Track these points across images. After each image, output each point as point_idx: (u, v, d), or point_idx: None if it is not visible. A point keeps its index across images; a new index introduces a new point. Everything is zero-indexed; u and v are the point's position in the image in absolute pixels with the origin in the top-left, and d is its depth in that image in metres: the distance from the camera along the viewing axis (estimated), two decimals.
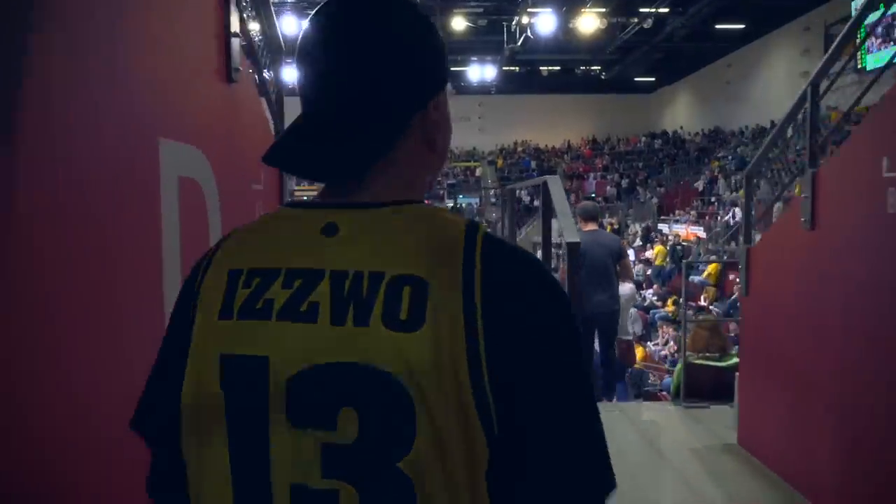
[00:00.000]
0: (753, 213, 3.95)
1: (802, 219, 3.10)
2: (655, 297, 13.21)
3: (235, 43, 1.68)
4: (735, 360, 4.87)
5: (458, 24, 22.19)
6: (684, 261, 10.10)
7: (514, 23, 22.38)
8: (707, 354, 5.11)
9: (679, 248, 14.87)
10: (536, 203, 29.35)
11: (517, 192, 31.70)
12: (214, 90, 1.63)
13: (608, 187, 28.71)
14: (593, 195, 29.72)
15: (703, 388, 4.86)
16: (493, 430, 0.62)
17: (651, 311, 12.68)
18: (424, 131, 0.77)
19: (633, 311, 12.60)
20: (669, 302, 12.48)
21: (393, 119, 0.74)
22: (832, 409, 2.95)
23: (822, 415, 3.05)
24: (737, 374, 4.22)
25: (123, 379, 0.99)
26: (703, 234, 15.77)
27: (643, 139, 31.92)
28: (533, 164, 33.90)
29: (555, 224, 4.04)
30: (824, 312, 3.07)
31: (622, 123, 34.09)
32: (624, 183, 28.06)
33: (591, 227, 5.85)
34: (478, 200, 33.10)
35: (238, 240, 0.77)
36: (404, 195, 0.74)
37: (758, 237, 4.00)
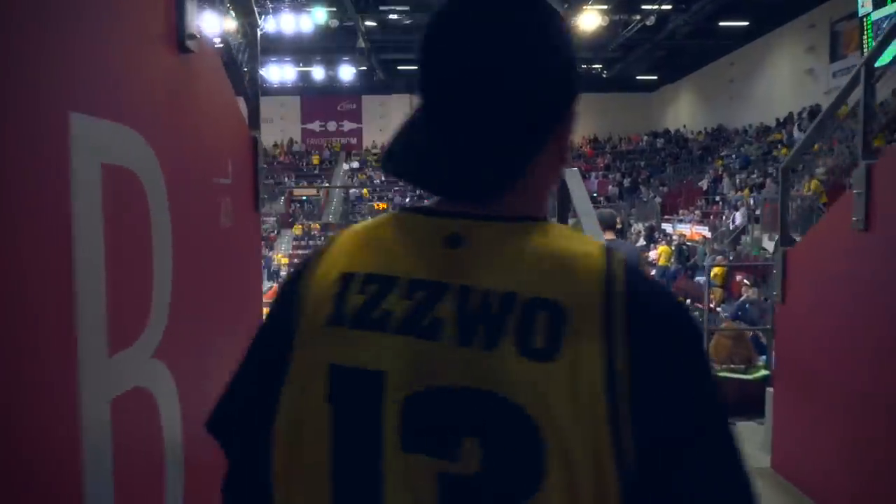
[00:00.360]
0: (785, 212, 3.58)
1: (854, 218, 2.74)
2: None
3: (190, 3, 1.32)
4: (763, 372, 4.51)
5: None
6: (693, 260, 9.85)
7: None
8: (731, 366, 4.75)
9: (685, 248, 14.54)
10: None
11: None
12: (160, 60, 1.27)
13: (610, 187, 28.39)
14: (595, 194, 29.41)
15: (727, 402, 4.49)
16: (628, 471, 0.57)
17: None
18: (560, 142, 0.71)
19: None
20: None
21: (539, 130, 0.68)
22: (891, 436, 2.60)
23: (877, 441, 2.69)
24: (768, 388, 3.86)
25: None
26: (708, 234, 15.43)
27: (645, 138, 31.61)
28: None
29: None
30: (878, 324, 2.72)
31: (624, 122, 33.76)
32: (626, 182, 27.75)
33: (609, 236, 5.48)
34: None
35: (351, 240, 0.72)
36: (533, 210, 0.69)
37: (766, 238, 3.62)
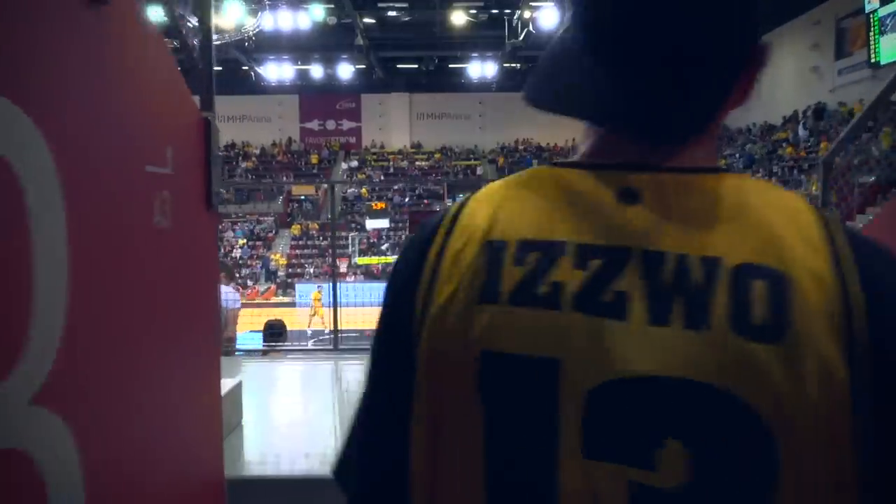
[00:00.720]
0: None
1: None
2: None
3: None
4: None
5: (458, 18, 21.59)
6: None
7: (515, 17, 21.75)
8: None
9: None
10: None
11: None
12: (59, 13, 0.97)
13: None
14: None
15: None
16: (869, 472, 0.48)
17: None
18: (746, 87, 0.60)
19: None
20: None
21: (735, 69, 0.58)
22: None
23: None
24: None
25: None
26: None
27: None
28: (535, 162, 33.25)
29: None
30: None
31: None
32: None
33: None
34: None
35: (490, 202, 0.60)
36: (713, 161, 0.60)
37: None
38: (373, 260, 21.37)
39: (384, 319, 0.63)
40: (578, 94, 0.60)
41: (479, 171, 33.69)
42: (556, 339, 0.50)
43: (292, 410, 3.16)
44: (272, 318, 5.38)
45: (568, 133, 34.52)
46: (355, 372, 3.82)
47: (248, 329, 21.37)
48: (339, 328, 4.61)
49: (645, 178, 0.56)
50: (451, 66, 31.03)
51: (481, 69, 27.99)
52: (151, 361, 1.21)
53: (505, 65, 28.36)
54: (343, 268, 26.55)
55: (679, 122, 0.56)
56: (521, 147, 35.23)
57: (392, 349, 0.60)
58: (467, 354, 0.53)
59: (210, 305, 1.58)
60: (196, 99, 1.60)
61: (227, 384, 2.16)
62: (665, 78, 0.54)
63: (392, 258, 22.15)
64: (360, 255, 21.23)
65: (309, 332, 14.73)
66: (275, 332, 5.06)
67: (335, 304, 4.73)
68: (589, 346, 0.50)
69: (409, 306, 0.58)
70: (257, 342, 5.24)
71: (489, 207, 0.60)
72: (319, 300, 15.50)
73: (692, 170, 0.56)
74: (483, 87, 30.90)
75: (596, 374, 0.49)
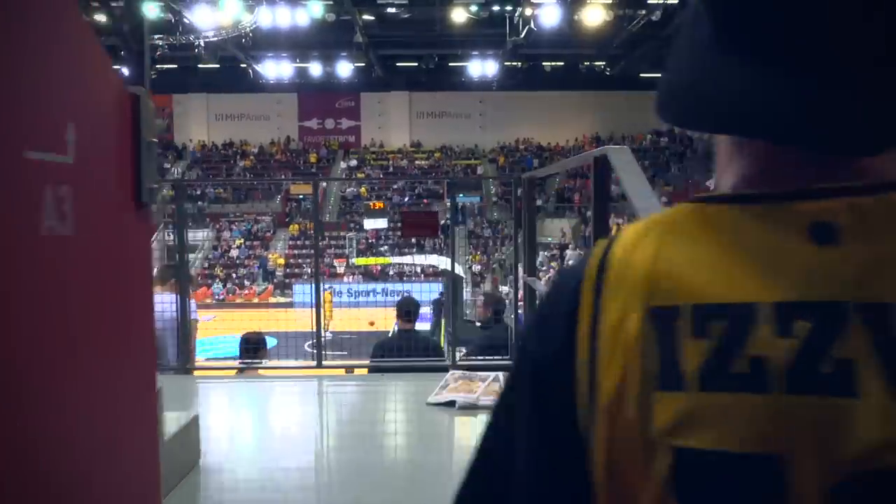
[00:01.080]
0: None
1: None
2: None
3: None
4: None
5: (459, 15, 21.27)
6: None
7: (516, 14, 21.44)
8: None
9: None
10: (539, 201, 28.04)
11: (520, 191, 30.79)
12: None
13: (613, 186, 27.74)
14: None
15: None
16: None
17: None
18: None
19: None
20: None
21: None
22: None
23: None
24: None
25: None
26: None
27: (648, 137, 31.01)
28: (535, 162, 32.95)
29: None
30: None
31: (627, 121, 33.15)
32: None
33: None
34: (479, 199, 32.31)
35: (642, 252, 0.48)
36: None
37: None
38: (371, 260, 21.03)
39: (532, 396, 0.50)
40: (733, 104, 0.45)
41: (479, 170, 33.38)
42: (773, 431, 0.41)
43: (263, 447, 2.77)
44: (249, 331, 4.92)
45: (569, 133, 34.24)
46: (341, 395, 3.46)
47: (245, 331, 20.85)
48: (323, 335, 4.27)
49: (839, 206, 0.44)
50: (451, 64, 30.74)
51: (482, 67, 27.69)
52: (53, 402, 0.90)
53: (506, 63, 28.07)
54: (341, 269, 26.31)
55: (882, 129, 0.43)
56: (521, 147, 34.91)
57: (550, 432, 0.49)
58: (656, 452, 0.43)
59: (143, 328, 1.26)
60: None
61: (179, 419, 1.83)
62: (866, 73, 0.43)
63: (391, 259, 21.81)
64: (357, 256, 20.88)
65: (329, 336, 14.27)
66: (251, 347, 4.64)
67: (318, 317, 4.37)
68: (818, 436, 0.41)
69: (568, 387, 0.47)
70: (235, 350, 4.80)
71: (643, 261, 0.47)
72: (331, 301, 15.02)
73: (890, 187, 0.44)
74: (483, 85, 30.62)
75: (834, 469, 0.40)
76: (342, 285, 25.39)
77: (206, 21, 20.14)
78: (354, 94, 34.99)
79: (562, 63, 30.89)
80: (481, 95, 33.96)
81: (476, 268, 26.65)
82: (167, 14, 20.17)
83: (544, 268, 22.08)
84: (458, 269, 19.06)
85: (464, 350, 15.59)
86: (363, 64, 28.13)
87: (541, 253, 24.77)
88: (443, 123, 35.38)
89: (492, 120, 35.11)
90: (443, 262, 18.10)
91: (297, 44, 24.10)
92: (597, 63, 29.92)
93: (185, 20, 20.50)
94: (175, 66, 31.01)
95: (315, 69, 27.38)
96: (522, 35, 21.66)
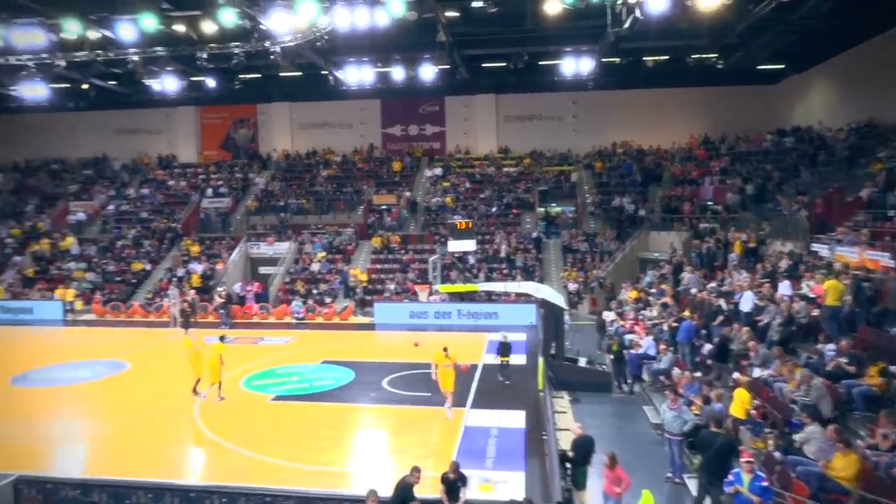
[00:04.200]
0: None
1: None
2: (844, 359, 9.39)
3: None
4: None
5: (552, 7, 18.89)
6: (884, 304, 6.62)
7: (619, 2, 18.81)
8: None
9: (866, 284, 10.91)
10: (642, 212, 25.09)
11: (619, 200, 27.61)
12: None
13: (729, 193, 24.38)
14: (710, 202, 25.51)
15: None
16: None
17: (843, 382, 8.92)
18: None
19: (816, 381, 8.97)
20: (873, 371, 8.68)
21: None
22: None
23: None
24: None
25: None
26: (889, 262, 11.71)
27: (769, 137, 27.22)
28: (635, 167, 29.92)
29: None
30: None
31: (741, 119, 29.49)
32: (749, 189, 23.68)
33: None
34: (573, 209, 29.68)
35: None
36: None
37: None
38: (457, 288, 19.03)
39: None
40: None
41: (573, 177, 30.73)
42: None
43: None
44: None
45: (673, 134, 30.92)
46: None
47: (324, 359, 18.95)
48: None
49: None
50: (541, 62, 28.34)
51: (576, 65, 25.14)
52: None
53: (603, 60, 25.37)
54: (423, 296, 24.53)
55: None
56: (619, 150, 31.93)
57: None
58: None
59: None
60: None
61: None
62: None
63: (479, 286, 19.56)
64: (442, 281, 18.93)
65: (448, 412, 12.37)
66: None
67: None
68: None
69: None
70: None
71: None
72: (449, 363, 12.53)
73: None
74: (577, 85, 27.98)
75: None
76: (428, 305, 23.70)
77: (281, 26, 18.98)
78: (439, 99, 33.31)
79: (666, 57, 27.70)
80: (575, 96, 31.35)
81: (571, 286, 24.10)
82: (244, 20, 19.17)
83: (653, 290, 19.28)
84: (558, 297, 16.77)
85: (565, 396, 12.78)
86: (447, 66, 26.32)
87: (648, 272, 21.92)
88: (532, 127, 33.04)
89: (586, 122, 32.38)
90: (538, 291, 15.86)
91: (377, 46, 22.61)
92: (707, 55, 26.56)
93: (262, 26, 19.45)
94: (258, 75, 30.58)
95: (397, 73, 25.86)
96: (626, 25, 19.01)
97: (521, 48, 25.52)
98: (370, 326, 23.14)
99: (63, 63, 21.77)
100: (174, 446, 11.63)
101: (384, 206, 30.76)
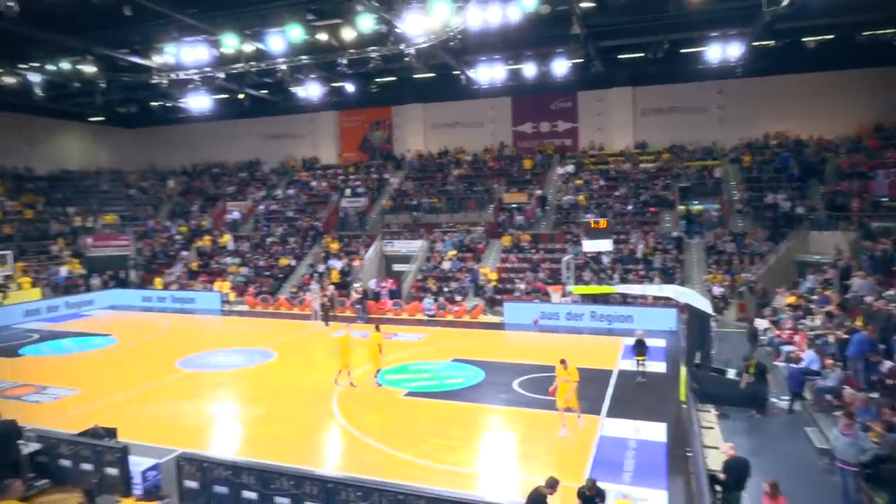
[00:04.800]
0: None
1: None
2: None
3: None
4: None
5: None
6: None
7: None
8: None
9: None
10: (800, 209, 22.55)
11: (772, 197, 25.12)
12: None
13: None
14: (885, 198, 22.48)
15: None
16: None
17: None
18: None
19: None
20: None
21: None
22: None
23: None
24: None
25: None
26: None
27: None
28: (792, 160, 27.09)
29: None
30: None
31: None
32: None
33: None
34: (717, 206, 27.52)
35: None
36: None
37: None
38: (592, 289, 18.29)
39: None
40: None
41: (717, 172, 28.50)
42: None
43: None
44: None
45: (838, 123, 27.64)
46: None
47: (454, 357, 19.40)
48: None
49: None
50: (683, 51, 26.54)
51: (723, 51, 23.23)
52: None
53: (754, 43, 23.20)
54: (556, 297, 23.93)
55: None
56: (772, 142, 29.10)
57: None
58: None
59: None
60: None
61: None
62: None
63: (616, 288, 18.65)
64: (575, 282, 18.31)
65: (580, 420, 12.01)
66: None
67: None
68: None
69: None
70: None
71: None
72: (567, 377, 11.68)
73: None
74: (724, 72, 25.85)
75: None
76: (559, 306, 23.10)
77: (416, 28, 19.33)
78: (571, 94, 32.37)
79: (831, 36, 24.84)
80: (720, 84, 29.05)
81: (716, 290, 22.31)
82: (380, 25, 19.77)
83: (815, 297, 17.27)
84: (704, 302, 15.53)
85: (711, 410, 11.70)
86: (580, 60, 25.46)
87: (809, 276, 19.73)
88: (672, 120, 31.07)
89: (733, 112, 29.86)
90: (681, 295, 14.73)
91: (509, 43, 22.37)
92: (883, 30, 23.44)
93: (397, 30, 19.93)
94: (393, 78, 31.59)
95: (529, 70, 25.45)
96: (785, 3, 17.20)
97: (662, 36, 24.08)
98: (499, 326, 22.99)
99: (222, 75, 23.78)
100: (313, 434, 12.19)
101: (514, 205, 30.47)
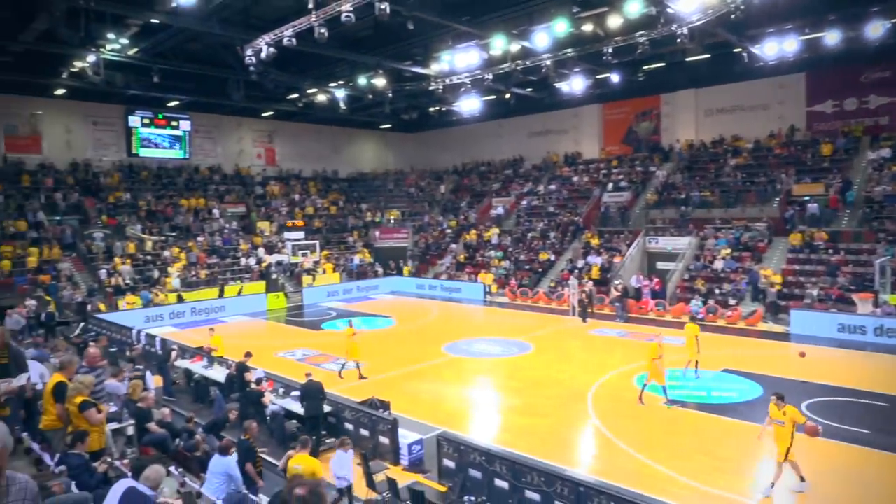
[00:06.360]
0: None
1: None
2: None
3: None
4: None
5: None
6: None
7: None
8: None
9: None
10: None
11: None
12: None
13: None
14: None
15: None
16: None
17: None
18: None
19: None
20: None
21: None
22: None
23: None
24: None
25: None
26: None
27: None
28: None
29: None
30: None
31: None
32: None
33: None
34: None
35: None
36: None
37: None
38: None
39: None
40: None
41: None
42: None
43: None
44: None
45: None
46: None
47: (725, 367, 17.39)
48: None
49: None
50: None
51: None
52: None
53: None
54: (862, 307, 19.76)
55: None
56: None
57: None
58: None
59: None
60: None
61: None
62: None
63: None
64: (891, 289, 14.86)
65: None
66: None
67: None
68: None
69: None
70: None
71: None
72: (783, 420, 8.99)
73: None
74: None
75: None
76: (866, 319, 19.06)
77: (689, 5, 17.68)
78: (891, 63, 26.61)
79: None
80: None
81: None
82: (649, 8, 18.56)
83: None
84: None
85: None
86: None
87: None
88: None
89: None
90: None
91: (804, 8, 19.14)
92: None
93: (668, 10, 18.49)
94: (662, 64, 29.50)
95: (831, 37, 21.52)
96: None
97: None
98: (784, 336, 19.97)
99: (490, 77, 24.86)
100: (566, 431, 11.94)
101: (806, 197, 26.22)
